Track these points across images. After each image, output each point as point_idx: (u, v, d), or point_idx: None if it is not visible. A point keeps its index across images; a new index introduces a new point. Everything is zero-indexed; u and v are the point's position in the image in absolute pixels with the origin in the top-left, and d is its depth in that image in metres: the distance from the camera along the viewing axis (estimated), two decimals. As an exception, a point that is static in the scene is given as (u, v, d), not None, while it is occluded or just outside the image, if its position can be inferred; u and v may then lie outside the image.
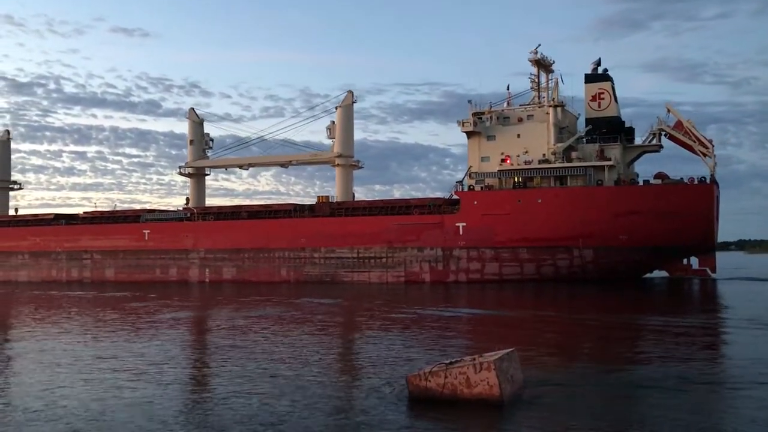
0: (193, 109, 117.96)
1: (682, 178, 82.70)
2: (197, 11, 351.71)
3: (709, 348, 32.44)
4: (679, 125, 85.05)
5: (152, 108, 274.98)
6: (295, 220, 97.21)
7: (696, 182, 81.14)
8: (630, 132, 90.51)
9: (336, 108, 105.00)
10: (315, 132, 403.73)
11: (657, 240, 79.27)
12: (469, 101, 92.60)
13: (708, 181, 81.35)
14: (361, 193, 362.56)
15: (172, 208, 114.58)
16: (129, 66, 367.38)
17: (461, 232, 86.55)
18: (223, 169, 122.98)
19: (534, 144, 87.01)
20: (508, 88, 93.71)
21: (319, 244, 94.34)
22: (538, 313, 48.75)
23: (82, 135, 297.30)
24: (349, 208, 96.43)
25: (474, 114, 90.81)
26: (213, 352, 32.29)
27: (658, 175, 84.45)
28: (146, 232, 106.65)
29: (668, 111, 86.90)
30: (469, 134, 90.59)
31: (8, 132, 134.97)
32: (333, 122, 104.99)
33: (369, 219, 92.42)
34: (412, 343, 33.08)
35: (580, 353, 30.46)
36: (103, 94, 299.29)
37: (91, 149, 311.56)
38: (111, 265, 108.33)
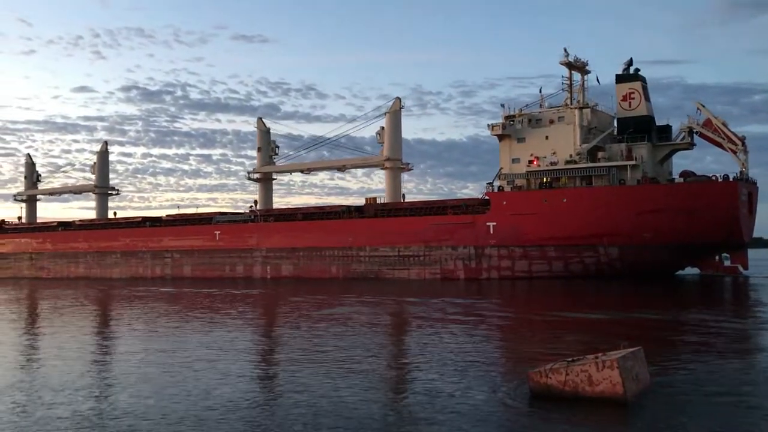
0: (260, 118, 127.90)
1: (708, 176, 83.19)
2: (313, 16, 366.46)
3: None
4: (708, 123, 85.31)
5: (271, 111, 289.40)
6: (344, 221, 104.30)
7: (720, 180, 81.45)
8: (665, 130, 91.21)
9: (385, 114, 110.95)
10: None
11: (681, 237, 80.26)
12: (502, 105, 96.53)
13: (737, 178, 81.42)
14: (473, 190, 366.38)
15: (239, 211, 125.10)
16: (249, 71, 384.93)
17: (492, 232, 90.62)
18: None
19: (561, 145, 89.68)
20: (540, 91, 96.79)
21: (364, 243, 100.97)
22: (627, 313, 46.11)
23: (207, 139, 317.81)
24: (392, 209, 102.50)
25: (506, 117, 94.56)
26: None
27: (682, 174, 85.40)
28: (217, 233, 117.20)
29: (698, 109, 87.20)
30: (500, 137, 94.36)
31: (106, 143, 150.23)
32: (382, 128, 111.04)
33: (408, 219, 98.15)
34: (524, 341, 34.05)
35: (701, 353, 29.26)
36: (226, 99, 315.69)
37: (216, 152, 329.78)
38: (188, 263, 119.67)
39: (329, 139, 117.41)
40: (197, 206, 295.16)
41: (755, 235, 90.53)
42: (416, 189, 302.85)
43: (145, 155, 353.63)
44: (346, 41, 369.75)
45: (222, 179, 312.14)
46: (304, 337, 36.02)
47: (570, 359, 20.78)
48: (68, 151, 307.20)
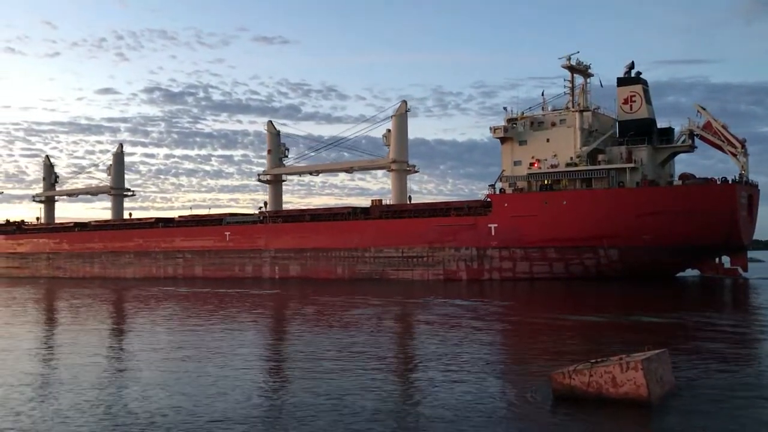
0: (270, 121, 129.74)
1: (707, 178, 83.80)
2: (332, 17, 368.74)
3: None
4: (708, 126, 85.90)
5: (292, 112, 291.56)
6: (349, 223, 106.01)
7: (719, 183, 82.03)
8: (666, 132, 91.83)
9: (391, 117, 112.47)
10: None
11: (680, 239, 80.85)
12: (504, 108, 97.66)
13: (735, 180, 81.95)
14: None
15: (249, 212, 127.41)
16: (270, 73, 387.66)
17: (493, 233, 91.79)
18: (298, 175, 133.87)
19: (562, 148, 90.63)
20: (542, 94, 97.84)
21: (369, 244, 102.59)
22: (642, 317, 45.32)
23: (228, 140, 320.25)
24: (396, 211, 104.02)
25: (508, 120, 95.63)
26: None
27: (681, 176, 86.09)
28: (227, 233, 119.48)
29: (698, 111, 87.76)
30: (503, 140, 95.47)
31: (121, 146, 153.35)
32: (389, 130, 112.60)
33: (412, 221, 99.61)
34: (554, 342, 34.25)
35: (716, 356, 29.07)
36: (247, 100, 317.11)
37: (237, 153, 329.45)
38: (199, 263, 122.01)
39: (343, 139, 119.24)
40: (211, 207, 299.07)
41: (757, 237, 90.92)
42: (436, 189, 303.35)
43: (167, 156, 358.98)
44: (366, 42, 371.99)
45: (243, 180, 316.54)
46: (334, 339, 36.46)
47: (593, 360, 20.77)
48: (92, 152, 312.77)
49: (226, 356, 31.08)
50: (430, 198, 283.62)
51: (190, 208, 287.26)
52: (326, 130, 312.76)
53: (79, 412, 20.63)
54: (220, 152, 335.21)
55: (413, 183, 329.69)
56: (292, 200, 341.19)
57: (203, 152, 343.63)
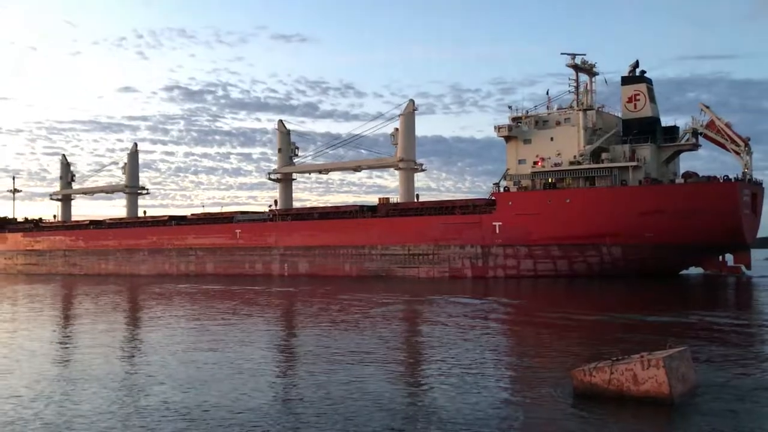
0: (281, 120, 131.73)
1: (709, 177, 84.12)
2: (351, 15, 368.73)
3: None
4: (711, 124, 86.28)
5: (310, 110, 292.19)
6: (357, 221, 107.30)
7: (721, 181, 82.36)
8: (671, 131, 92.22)
9: (399, 116, 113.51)
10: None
11: (683, 238, 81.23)
12: (509, 107, 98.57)
13: (737, 178, 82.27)
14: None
15: (259, 210, 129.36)
16: (288, 71, 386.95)
17: (497, 231, 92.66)
18: (307, 174, 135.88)
19: (566, 146, 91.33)
20: (547, 93, 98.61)
21: (376, 241, 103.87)
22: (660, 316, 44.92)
23: (247, 138, 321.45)
24: (403, 209, 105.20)
25: (513, 119, 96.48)
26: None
27: (684, 174, 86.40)
28: (238, 231, 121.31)
29: (702, 110, 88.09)
30: (507, 138, 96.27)
31: (136, 145, 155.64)
32: (396, 129, 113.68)
33: (418, 219, 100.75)
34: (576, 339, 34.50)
35: (736, 356, 28.86)
36: (266, 98, 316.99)
37: (256, 151, 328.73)
38: (210, 260, 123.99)
39: (355, 137, 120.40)
40: (223, 206, 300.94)
41: (761, 235, 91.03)
42: (455, 187, 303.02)
43: (187, 154, 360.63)
44: (384, 40, 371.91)
45: (262, 178, 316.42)
46: (356, 338, 36.84)
47: (614, 358, 20.77)
48: (112, 150, 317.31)
49: (254, 354, 31.41)
50: (449, 195, 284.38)
51: (202, 206, 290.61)
52: (344, 128, 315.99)
53: (118, 406, 21.40)
54: (239, 150, 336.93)
55: (431, 180, 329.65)
56: (310, 198, 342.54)
57: (222, 150, 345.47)
